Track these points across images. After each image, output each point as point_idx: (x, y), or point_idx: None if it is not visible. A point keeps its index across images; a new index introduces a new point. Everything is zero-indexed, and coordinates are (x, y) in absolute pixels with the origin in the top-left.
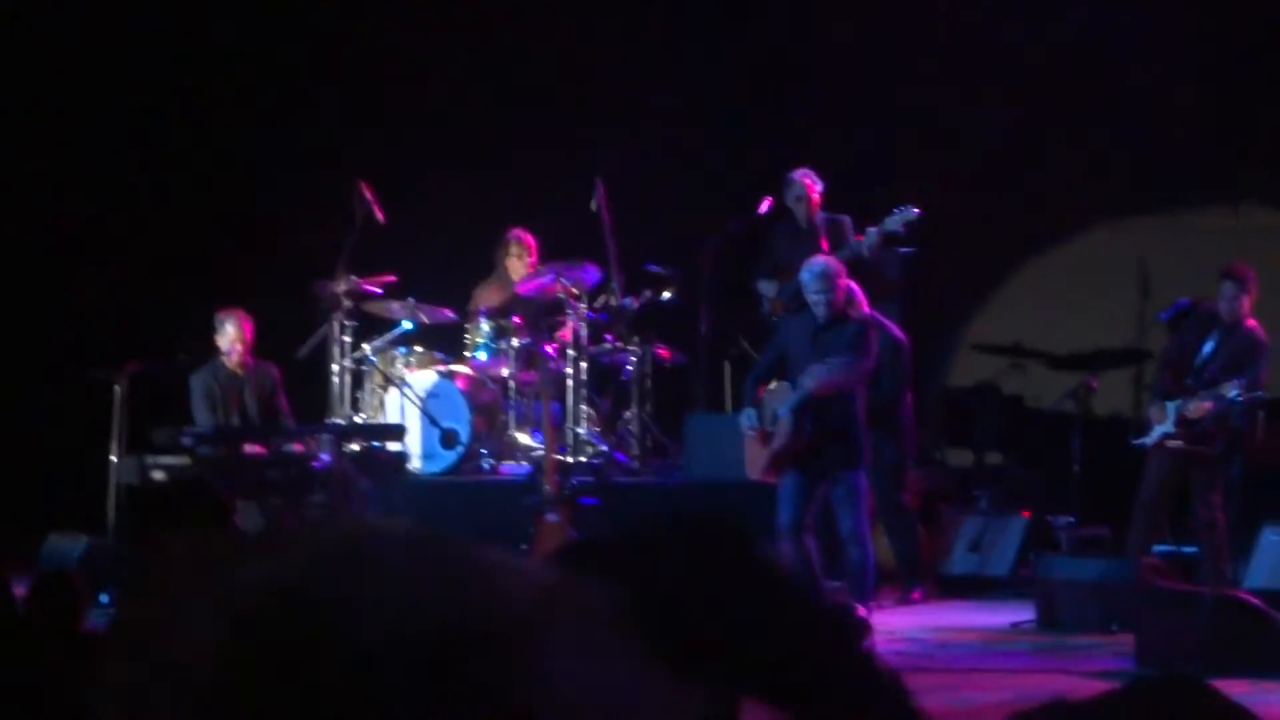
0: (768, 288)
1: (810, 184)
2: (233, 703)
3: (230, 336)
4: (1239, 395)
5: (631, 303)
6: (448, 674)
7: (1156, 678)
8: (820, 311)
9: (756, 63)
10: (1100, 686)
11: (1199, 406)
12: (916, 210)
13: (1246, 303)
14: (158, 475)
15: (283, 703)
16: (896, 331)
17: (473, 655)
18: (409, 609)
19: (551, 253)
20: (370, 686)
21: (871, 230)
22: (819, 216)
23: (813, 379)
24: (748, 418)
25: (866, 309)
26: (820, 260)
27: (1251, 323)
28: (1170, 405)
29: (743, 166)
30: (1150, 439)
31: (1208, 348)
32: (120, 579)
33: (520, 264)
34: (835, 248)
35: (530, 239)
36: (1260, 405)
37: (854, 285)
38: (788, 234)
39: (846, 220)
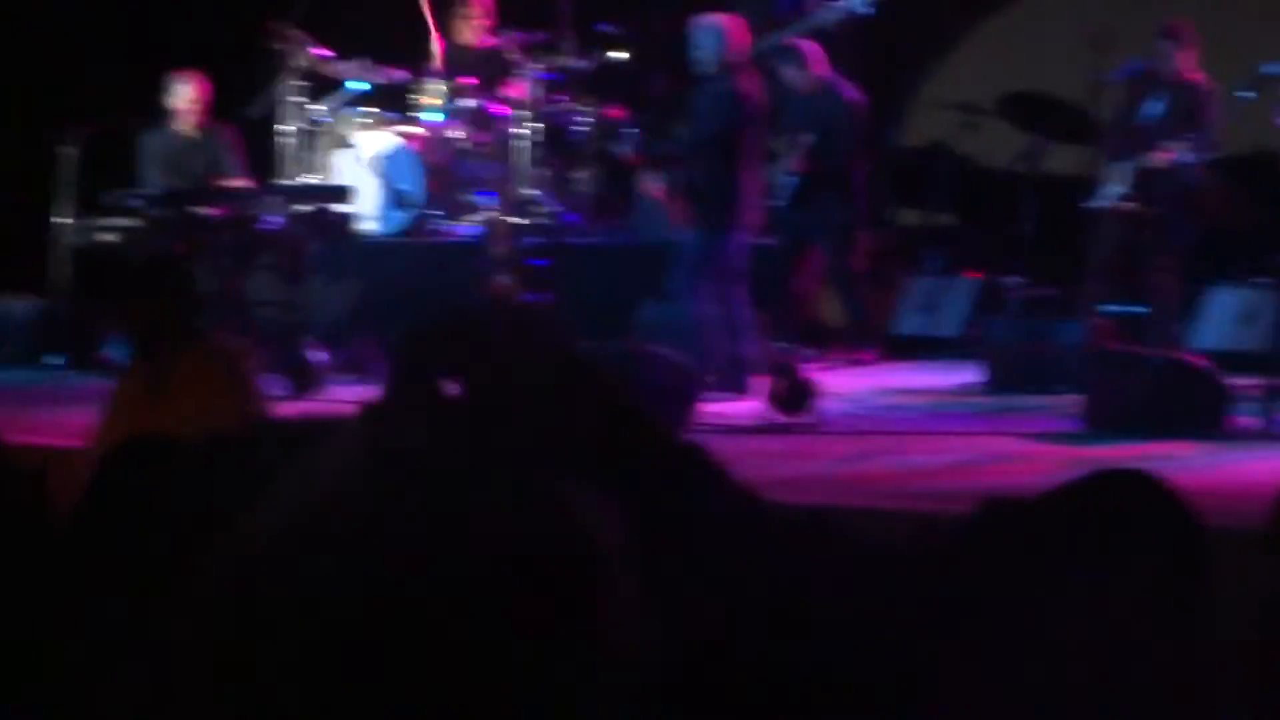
0: None
1: None
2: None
3: (184, 97)
4: (1192, 156)
5: (583, 62)
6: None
7: (1100, 473)
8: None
9: None
10: (1048, 449)
11: (1149, 168)
12: None
13: (1186, 58)
14: (107, 238)
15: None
16: (849, 92)
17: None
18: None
19: (501, 9)
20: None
21: (839, 4)
22: None
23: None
24: None
25: (819, 70)
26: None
27: (1197, 77)
28: (1122, 166)
29: None
30: (1102, 201)
31: (1157, 108)
32: (69, 341)
33: (468, 22)
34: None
35: None
36: (1212, 165)
37: (804, 45)
38: None
39: None
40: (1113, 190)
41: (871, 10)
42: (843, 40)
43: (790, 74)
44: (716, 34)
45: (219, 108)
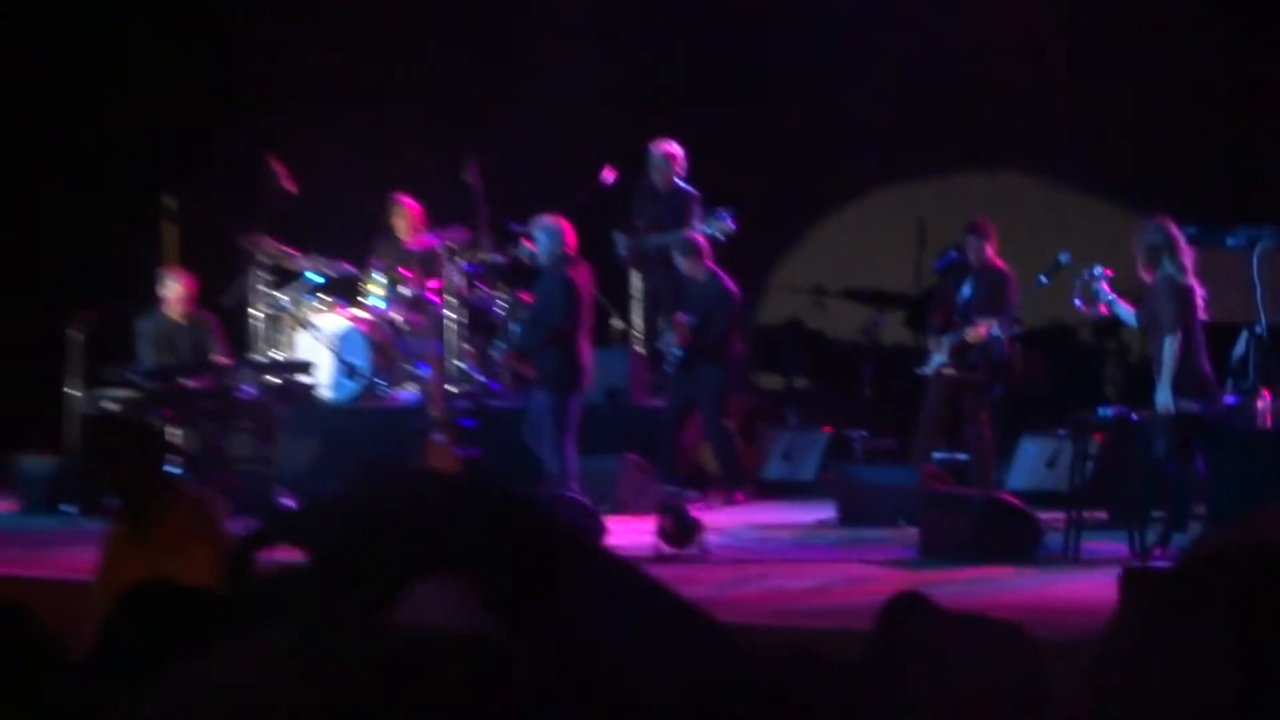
0: (619, 238)
1: (674, 156)
2: None
3: (173, 290)
4: (998, 331)
5: (499, 257)
6: None
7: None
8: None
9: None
10: (891, 574)
11: (963, 341)
12: (732, 224)
13: (988, 249)
14: (109, 405)
15: None
16: (728, 283)
17: None
18: None
19: (432, 215)
20: None
21: (699, 225)
22: (676, 185)
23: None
24: None
25: (707, 262)
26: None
27: (998, 263)
28: (944, 339)
29: (598, 138)
30: (929, 368)
31: (966, 291)
32: (79, 492)
33: (405, 225)
34: (682, 218)
35: (414, 205)
36: (1016, 339)
37: (699, 241)
38: (646, 197)
39: (696, 195)
40: (937, 359)
41: (732, 229)
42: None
43: (684, 264)
44: (552, 232)
45: (201, 297)
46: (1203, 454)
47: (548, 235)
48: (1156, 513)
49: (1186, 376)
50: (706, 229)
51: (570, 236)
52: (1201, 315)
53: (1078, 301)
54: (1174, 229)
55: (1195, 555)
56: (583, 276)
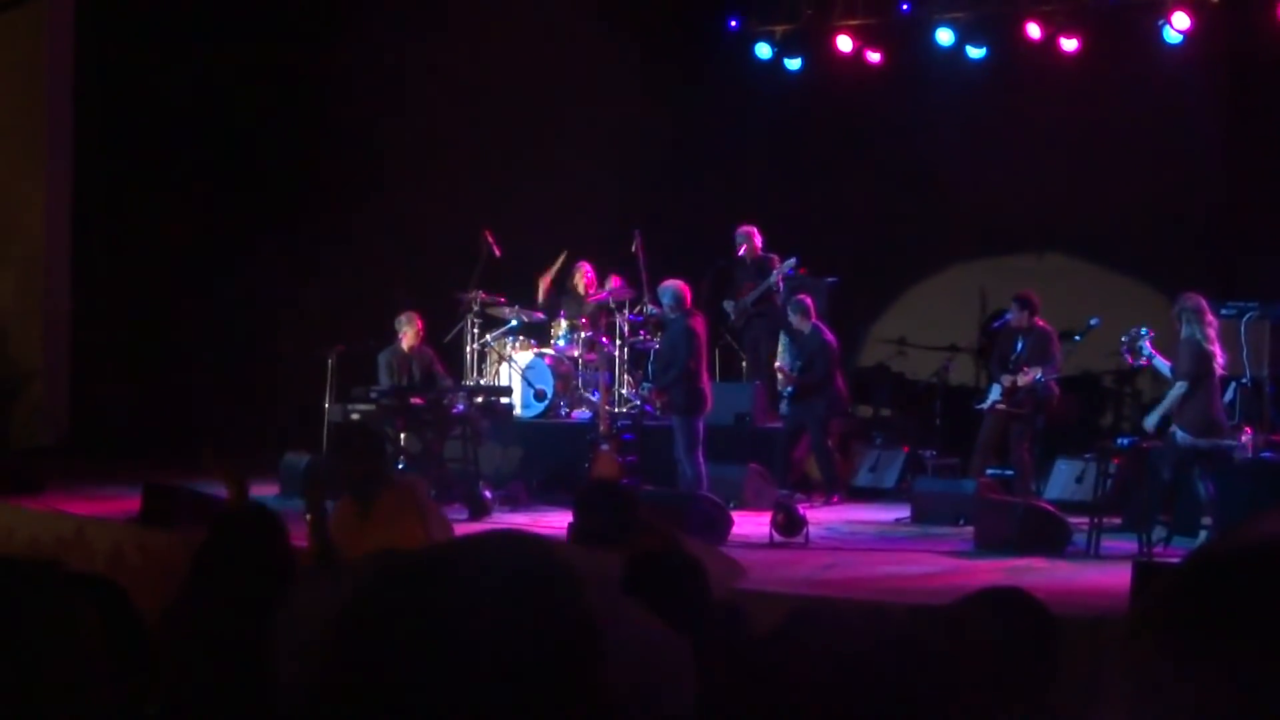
0: (728, 305)
1: (753, 233)
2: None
3: (406, 328)
4: (1042, 377)
5: (656, 310)
6: (532, 669)
7: (984, 590)
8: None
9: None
10: (951, 562)
11: (1016, 383)
12: (795, 260)
13: (1029, 315)
14: (354, 416)
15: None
16: (828, 335)
17: (553, 653)
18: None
19: (602, 274)
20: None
21: (774, 272)
22: (760, 256)
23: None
24: None
25: (812, 318)
26: (668, 281)
27: (1041, 323)
28: (998, 383)
29: (726, 223)
30: (987, 403)
31: (1019, 345)
32: (329, 481)
33: (583, 283)
34: (766, 276)
35: (589, 267)
36: (1055, 382)
37: (807, 300)
38: (739, 267)
39: (774, 258)
40: (994, 397)
41: (799, 269)
42: (819, 301)
43: (795, 320)
44: (673, 292)
45: (428, 335)
46: (1210, 479)
47: (670, 295)
48: (1162, 520)
49: (1201, 419)
50: (783, 273)
51: (687, 293)
52: (1220, 372)
53: (1126, 354)
54: (1202, 301)
55: (1201, 553)
56: (700, 325)
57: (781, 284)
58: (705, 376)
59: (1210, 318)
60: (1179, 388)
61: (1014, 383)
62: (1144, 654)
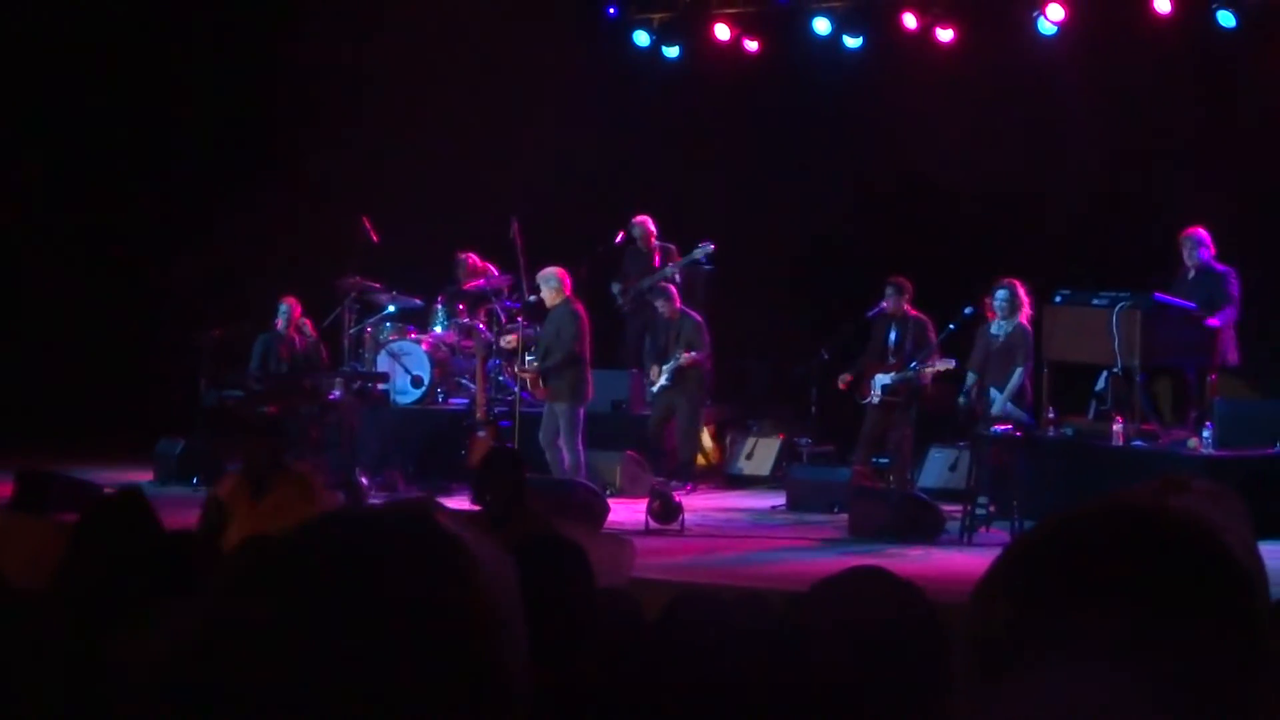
0: (615, 288)
1: (646, 223)
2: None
3: (285, 313)
4: (916, 366)
5: (533, 297)
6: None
7: (846, 571)
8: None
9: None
10: (827, 550)
11: (925, 373)
12: (712, 245)
13: (904, 299)
14: (229, 401)
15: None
16: (697, 318)
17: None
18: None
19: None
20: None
21: (680, 260)
22: (655, 245)
23: None
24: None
25: (677, 304)
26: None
27: (913, 312)
28: (882, 376)
29: (603, 210)
30: (877, 398)
31: (892, 334)
32: (204, 466)
33: (463, 271)
34: (663, 266)
35: (471, 256)
36: (931, 372)
37: (670, 288)
38: (633, 256)
39: (673, 248)
40: (877, 390)
41: (709, 264)
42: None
43: (661, 306)
44: (554, 277)
45: (309, 320)
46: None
47: (551, 280)
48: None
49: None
50: (696, 258)
51: (567, 280)
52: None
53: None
54: (1021, 289)
55: (1058, 517)
56: (584, 311)
57: (680, 275)
58: (588, 365)
59: (1026, 303)
60: (1020, 373)
61: (893, 376)
62: (998, 610)
